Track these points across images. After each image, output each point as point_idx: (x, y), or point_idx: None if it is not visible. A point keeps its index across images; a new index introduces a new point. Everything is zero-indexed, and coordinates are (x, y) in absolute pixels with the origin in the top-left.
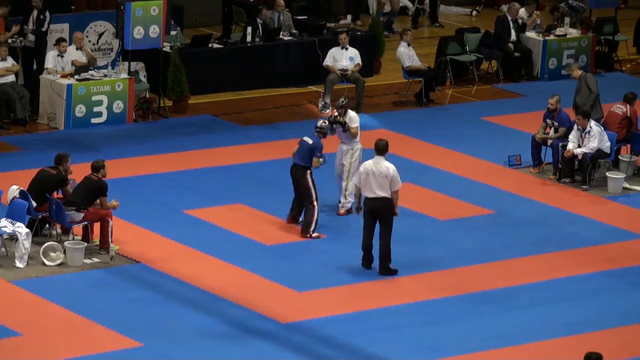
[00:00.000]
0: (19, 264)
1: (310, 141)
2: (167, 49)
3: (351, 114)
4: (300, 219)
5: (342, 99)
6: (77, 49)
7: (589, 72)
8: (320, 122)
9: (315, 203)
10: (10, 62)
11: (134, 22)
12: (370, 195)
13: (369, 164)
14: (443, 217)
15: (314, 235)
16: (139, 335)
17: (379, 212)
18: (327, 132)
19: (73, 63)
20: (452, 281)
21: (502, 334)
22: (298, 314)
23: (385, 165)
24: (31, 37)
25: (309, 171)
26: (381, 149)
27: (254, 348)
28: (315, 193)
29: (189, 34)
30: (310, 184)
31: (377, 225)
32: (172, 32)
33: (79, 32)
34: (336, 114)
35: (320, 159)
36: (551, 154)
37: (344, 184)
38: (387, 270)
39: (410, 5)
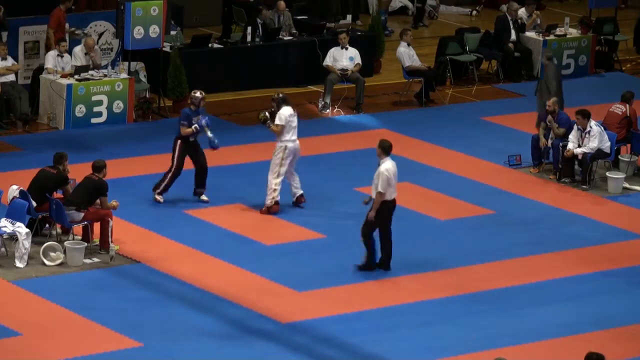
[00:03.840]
0: (19, 264)
1: (187, 110)
2: (167, 49)
3: (282, 110)
4: (203, 196)
5: (278, 94)
6: (85, 53)
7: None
8: (192, 92)
9: (172, 170)
10: (10, 61)
11: (134, 22)
12: (394, 196)
13: (392, 165)
14: (443, 217)
15: (157, 197)
16: (139, 335)
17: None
18: (196, 103)
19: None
20: (452, 281)
21: (502, 334)
22: (298, 314)
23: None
24: None
25: (179, 140)
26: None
27: (254, 348)
28: (178, 163)
29: (189, 34)
30: (177, 151)
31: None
32: (172, 32)
33: (92, 38)
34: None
35: (192, 127)
36: (551, 154)
37: (269, 179)
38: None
39: (410, 5)
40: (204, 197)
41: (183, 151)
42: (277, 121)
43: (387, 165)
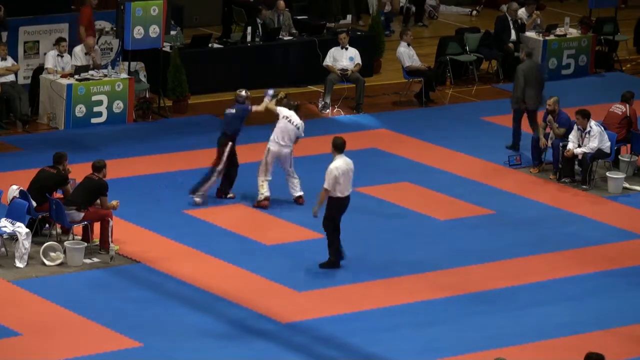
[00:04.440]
0: (19, 264)
1: (234, 110)
2: (167, 49)
3: (288, 112)
4: (230, 194)
5: (281, 94)
6: (85, 53)
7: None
8: (237, 91)
9: (217, 171)
10: (10, 61)
11: (134, 22)
12: (347, 193)
13: (345, 163)
14: (443, 217)
15: (196, 198)
16: (139, 335)
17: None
18: (242, 101)
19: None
20: (452, 281)
21: (502, 334)
22: (298, 314)
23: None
24: None
25: (230, 142)
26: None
27: (254, 348)
28: (225, 164)
29: (189, 34)
30: (227, 152)
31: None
32: (172, 32)
33: (92, 38)
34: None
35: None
36: (551, 154)
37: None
38: None
39: (412, 6)
40: (230, 195)
41: (231, 153)
42: (278, 109)
43: (338, 163)
